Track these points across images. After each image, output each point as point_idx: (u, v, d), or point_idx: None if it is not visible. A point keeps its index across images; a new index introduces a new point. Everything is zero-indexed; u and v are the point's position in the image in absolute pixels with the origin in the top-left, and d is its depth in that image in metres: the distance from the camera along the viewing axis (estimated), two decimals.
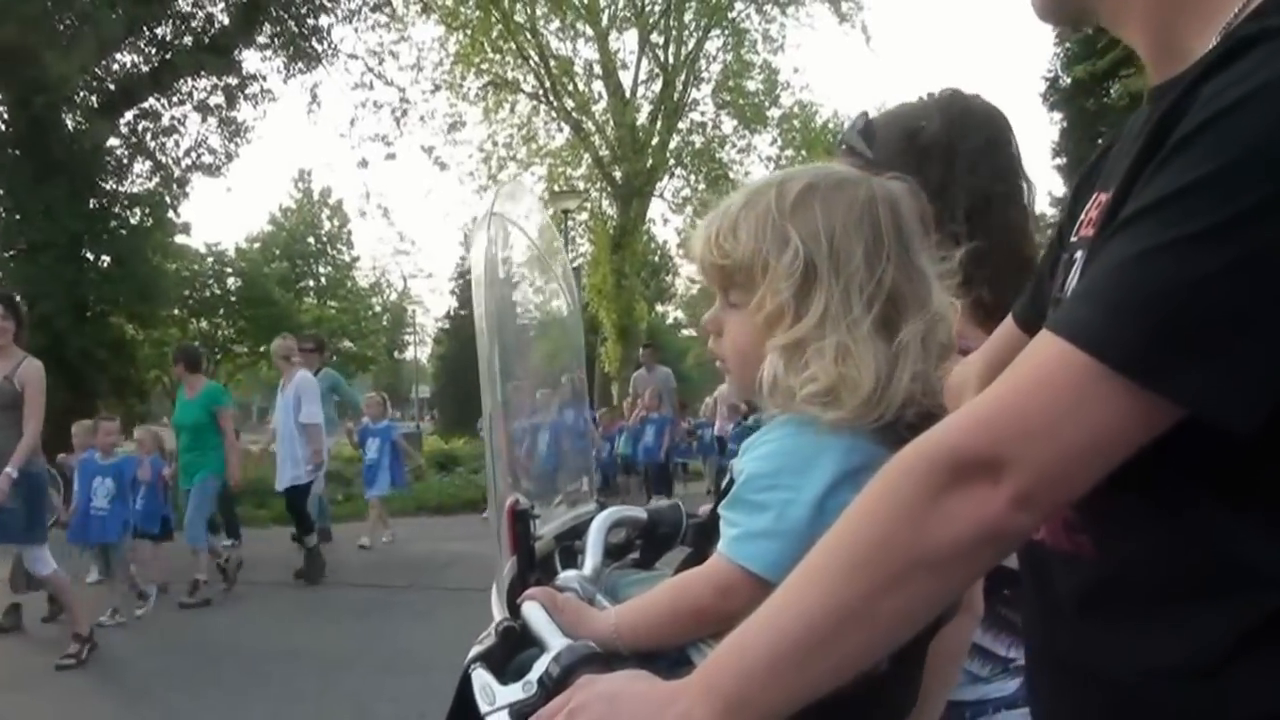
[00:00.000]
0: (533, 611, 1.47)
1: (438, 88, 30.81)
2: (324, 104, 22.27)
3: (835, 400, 1.40)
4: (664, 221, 36.55)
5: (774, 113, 34.45)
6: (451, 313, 59.03)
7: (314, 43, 21.02)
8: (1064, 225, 1.53)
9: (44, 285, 17.86)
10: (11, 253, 19.16)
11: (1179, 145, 1.08)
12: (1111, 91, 19.45)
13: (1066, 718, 1.32)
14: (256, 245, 50.10)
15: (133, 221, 20.33)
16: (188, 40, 19.99)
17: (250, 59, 20.94)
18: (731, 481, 1.49)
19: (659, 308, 48.94)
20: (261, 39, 20.62)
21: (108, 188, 20.09)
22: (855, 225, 1.45)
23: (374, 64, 24.79)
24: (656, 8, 32.95)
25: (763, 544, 1.38)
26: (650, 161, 32.57)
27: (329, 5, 21.02)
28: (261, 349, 29.19)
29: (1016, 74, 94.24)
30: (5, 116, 18.91)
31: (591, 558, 1.79)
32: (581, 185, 33.21)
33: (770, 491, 1.40)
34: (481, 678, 1.42)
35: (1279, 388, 1.03)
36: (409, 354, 66.10)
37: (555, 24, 32.91)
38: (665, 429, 17.39)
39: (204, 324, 27.74)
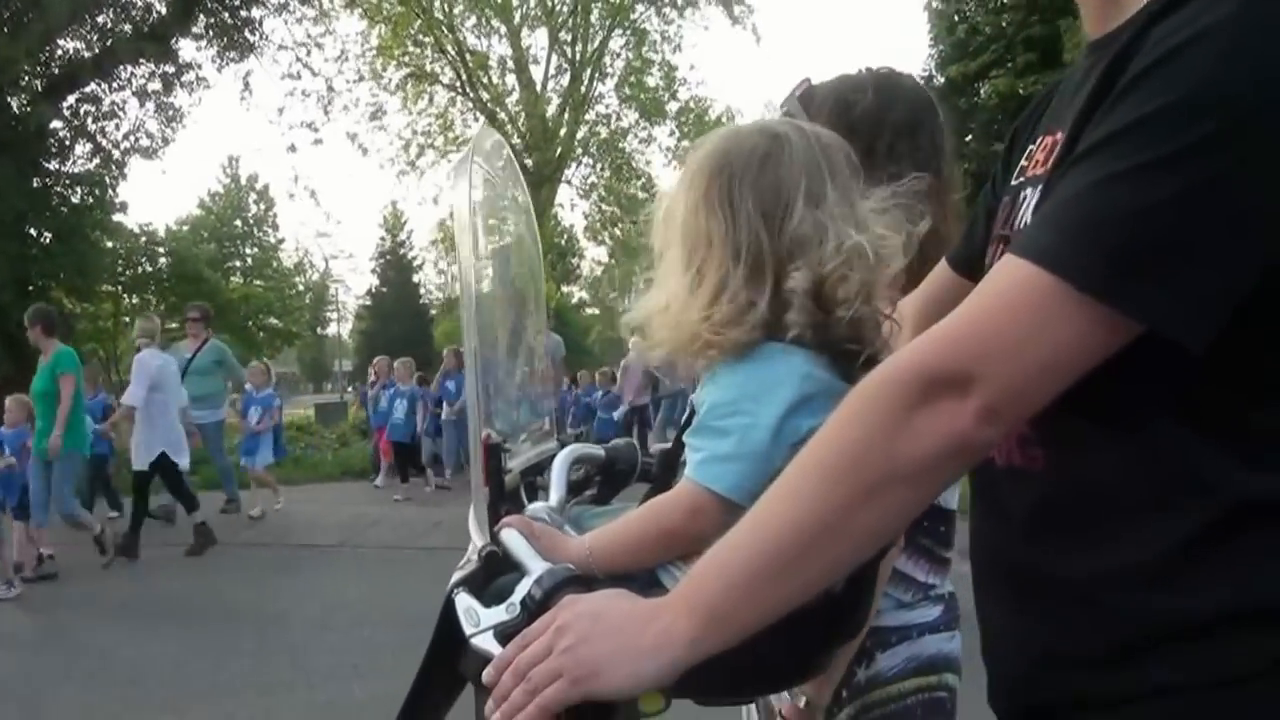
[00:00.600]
0: (511, 537, 1.44)
1: (361, 78, 30.47)
2: (254, 91, 21.62)
3: (647, 330, 1.51)
4: (571, 206, 36.55)
5: (672, 106, 34.70)
6: (372, 290, 58.68)
7: (246, 33, 20.61)
8: (998, 174, 1.55)
9: None
10: None
11: (1130, 85, 1.09)
12: (981, 91, 19.58)
13: (1017, 632, 1.31)
14: (185, 227, 49.34)
15: (74, 200, 19.92)
16: (127, 28, 19.52)
17: (186, 48, 20.50)
18: (693, 413, 1.48)
19: (564, 288, 48.74)
20: (197, 29, 20.19)
21: (50, 168, 19.65)
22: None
23: (302, 54, 24.44)
24: (565, 7, 33.02)
25: (727, 466, 1.38)
26: (559, 150, 32.70)
27: None
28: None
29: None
30: None
31: (555, 491, 1.78)
32: None
33: (731, 418, 1.41)
34: (465, 601, 1.38)
35: (1228, 308, 1.05)
36: (331, 330, 65.84)
37: (471, 20, 32.79)
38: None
39: (135, 300, 27.13)
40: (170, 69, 20.11)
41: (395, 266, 57.92)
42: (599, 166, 35.32)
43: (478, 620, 1.33)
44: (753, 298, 1.42)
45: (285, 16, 21.87)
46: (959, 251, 1.70)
